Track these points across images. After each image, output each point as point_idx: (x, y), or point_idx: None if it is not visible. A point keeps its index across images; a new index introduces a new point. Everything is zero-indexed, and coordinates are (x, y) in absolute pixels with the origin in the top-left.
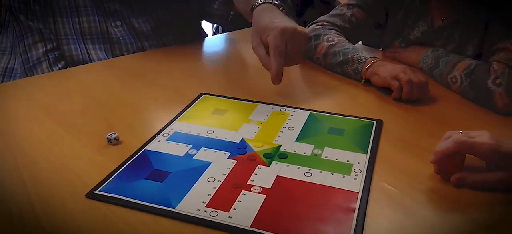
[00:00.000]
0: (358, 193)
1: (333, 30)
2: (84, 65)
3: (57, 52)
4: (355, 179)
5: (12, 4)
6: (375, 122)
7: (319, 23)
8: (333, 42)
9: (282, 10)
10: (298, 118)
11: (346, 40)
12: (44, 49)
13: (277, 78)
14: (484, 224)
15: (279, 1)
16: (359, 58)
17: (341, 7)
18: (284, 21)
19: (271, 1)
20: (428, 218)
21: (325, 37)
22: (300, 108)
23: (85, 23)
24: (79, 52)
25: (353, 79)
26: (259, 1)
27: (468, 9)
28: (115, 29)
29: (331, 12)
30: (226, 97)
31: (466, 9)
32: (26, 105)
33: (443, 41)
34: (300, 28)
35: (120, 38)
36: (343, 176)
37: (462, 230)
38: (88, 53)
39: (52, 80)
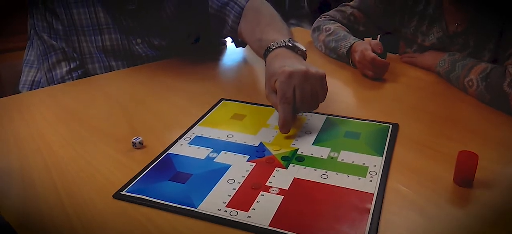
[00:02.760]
0: (373, 194)
1: (332, 21)
2: (107, 73)
3: (81, 70)
4: (371, 180)
5: (36, 23)
6: (391, 126)
7: (322, 16)
8: (329, 31)
9: (297, 53)
10: (315, 122)
11: (343, 29)
12: (68, 67)
13: (284, 127)
14: (499, 224)
15: (292, 44)
16: (346, 44)
17: (346, 5)
18: (295, 65)
19: (284, 44)
20: (442, 218)
21: (324, 27)
22: (317, 113)
23: (107, 41)
24: (103, 69)
25: (344, 62)
26: (273, 46)
27: (482, 16)
28: (137, 47)
29: (335, 8)
30: (244, 102)
31: (479, 16)
32: (54, 110)
33: (459, 47)
34: (314, 69)
35: (142, 54)
36: (359, 178)
37: (476, 231)
38: (111, 70)
39: (78, 87)
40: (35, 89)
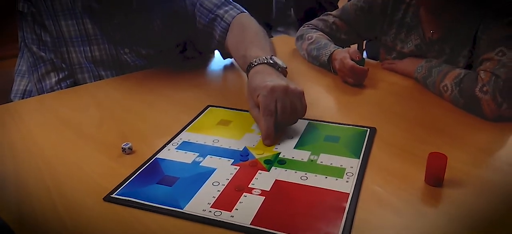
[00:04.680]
0: (348, 193)
1: (314, 30)
2: (97, 81)
3: (70, 80)
4: (347, 181)
5: (25, 35)
6: (368, 130)
7: (305, 25)
8: (311, 40)
9: (278, 70)
10: (297, 127)
11: (324, 37)
12: (57, 78)
13: (267, 138)
14: (467, 221)
15: (273, 61)
16: (327, 52)
17: (328, 14)
18: (275, 80)
19: (266, 61)
20: (413, 216)
21: (307, 35)
22: (296, 122)
23: (96, 51)
24: (92, 79)
25: (326, 69)
26: (255, 62)
27: (457, 24)
28: (125, 56)
29: (318, 17)
30: (230, 109)
31: (454, 24)
32: (46, 118)
33: (435, 53)
34: (293, 86)
35: (131, 63)
36: (336, 179)
37: (446, 229)
38: (100, 79)
39: (68, 95)
40: (26, 98)
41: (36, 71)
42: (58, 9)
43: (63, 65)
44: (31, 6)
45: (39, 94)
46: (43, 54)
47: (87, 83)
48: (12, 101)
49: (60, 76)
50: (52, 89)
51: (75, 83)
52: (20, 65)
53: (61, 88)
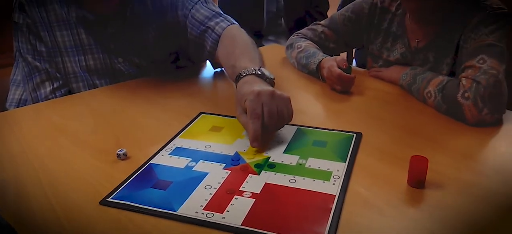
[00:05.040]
0: (335, 195)
1: (303, 39)
2: (91, 90)
3: (64, 89)
4: (334, 184)
5: (20, 45)
6: (355, 135)
7: (295, 35)
8: (301, 49)
9: (265, 80)
10: (286, 132)
11: (313, 46)
12: (52, 87)
13: (255, 140)
14: (447, 221)
15: (261, 72)
16: (315, 60)
17: (317, 24)
18: (263, 87)
19: (254, 72)
20: (396, 216)
21: (296, 44)
22: (289, 124)
23: (91, 60)
24: (87, 88)
25: (315, 77)
26: (243, 73)
27: (440, 33)
28: (119, 65)
29: (307, 27)
30: (222, 115)
31: (438, 33)
32: (42, 125)
33: (420, 61)
34: (279, 92)
35: (125, 71)
36: (323, 182)
37: (428, 228)
38: (95, 88)
39: (63, 103)
40: (22, 107)
41: (31, 80)
42: (53, 20)
43: (58, 75)
44: (26, 17)
45: (34, 103)
46: (38, 63)
47: (81, 92)
48: (7, 110)
49: (55, 85)
50: (47, 98)
51: (70, 92)
52: (15, 74)
53: (56, 97)
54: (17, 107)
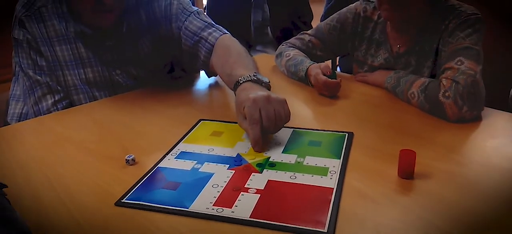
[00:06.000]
0: (333, 188)
1: (292, 48)
2: (92, 102)
3: (65, 101)
4: (331, 178)
5: (21, 61)
6: (347, 134)
7: (284, 44)
8: (289, 57)
9: (262, 85)
10: (283, 135)
11: (301, 54)
12: (53, 100)
13: (256, 144)
14: (435, 207)
15: (257, 78)
16: (303, 67)
17: (304, 33)
18: (258, 93)
19: (250, 79)
20: (389, 205)
21: (285, 53)
22: (285, 127)
23: (90, 73)
24: (88, 100)
25: (305, 83)
26: (241, 81)
27: (420, 38)
28: (117, 77)
29: (295, 36)
30: (221, 121)
31: (418, 38)
32: (48, 136)
33: (403, 65)
34: (275, 95)
35: (123, 83)
36: (321, 177)
37: (418, 214)
38: (95, 100)
39: (66, 116)
40: (23, 120)
41: (33, 94)
42: (53, 35)
43: (59, 88)
44: (26, 33)
45: (36, 117)
46: (39, 77)
47: (82, 103)
48: (8, 124)
49: (56, 98)
50: (49, 111)
51: (71, 104)
52: (14, 89)
53: (58, 110)
54: (19, 121)
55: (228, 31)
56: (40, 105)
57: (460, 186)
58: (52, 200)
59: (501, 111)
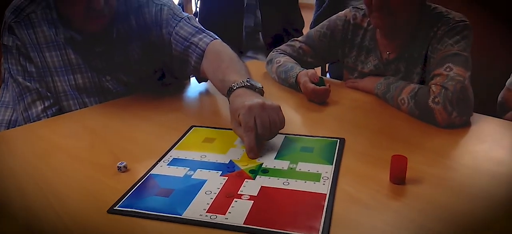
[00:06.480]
0: (326, 194)
1: (282, 55)
2: (82, 109)
3: (55, 107)
4: (324, 184)
5: (11, 67)
6: (338, 140)
7: (275, 51)
8: (280, 64)
9: (255, 90)
10: (275, 141)
11: (291, 61)
12: (43, 106)
13: (251, 151)
14: (427, 211)
15: (250, 83)
16: (293, 74)
17: (295, 40)
18: (253, 100)
19: (244, 85)
20: (381, 209)
21: (275, 60)
22: (277, 133)
23: (80, 79)
24: (78, 106)
25: (295, 90)
26: (234, 87)
27: (409, 45)
28: (107, 83)
29: (286, 43)
30: (213, 128)
31: (407, 45)
32: (39, 144)
33: (392, 72)
34: (269, 102)
35: (113, 90)
36: (314, 183)
37: (409, 218)
38: (85, 106)
39: (56, 122)
40: (12, 128)
41: (23, 100)
42: (42, 41)
43: (49, 94)
44: (16, 40)
45: (26, 123)
46: (28, 84)
47: (72, 110)
48: None
49: (46, 105)
50: (38, 118)
51: (61, 110)
52: (3, 96)
53: (47, 116)
54: (7, 128)
55: (219, 37)
56: (29, 112)
57: (451, 190)
58: (43, 208)
59: (489, 116)
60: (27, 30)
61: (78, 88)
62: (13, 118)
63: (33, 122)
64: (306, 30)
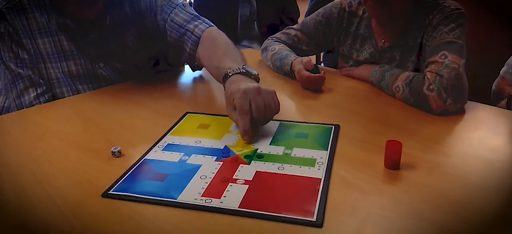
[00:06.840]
0: (321, 179)
1: (277, 42)
2: (75, 95)
3: (48, 94)
4: (319, 169)
5: (3, 54)
6: (333, 126)
7: (270, 38)
8: (274, 51)
9: (251, 77)
10: (270, 127)
11: (286, 49)
12: (35, 93)
13: (245, 134)
14: (420, 196)
15: (246, 70)
16: (288, 61)
17: (290, 28)
18: (248, 84)
19: (239, 71)
20: (376, 194)
21: (270, 47)
22: (272, 119)
23: (73, 66)
24: (71, 93)
25: (290, 77)
26: (229, 73)
27: (404, 33)
28: (100, 70)
29: (281, 31)
30: (208, 114)
31: (402, 33)
32: (32, 130)
33: (387, 60)
34: (264, 87)
35: (107, 77)
36: (309, 168)
37: (403, 202)
38: (78, 93)
39: (50, 108)
40: (5, 114)
41: (15, 87)
42: (34, 28)
43: (41, 81)
44: (8, 26)
45: (19, 110)
46: (21, 71)
47: (65, 97)
48: None
49: (39, 91)
50: (31, 104)
51: (54, 97)
52: None
53: (40, 103)
54: (0, 115)
55: (214, 24)
56: (22, 99)
57: (445, 175)
58: (37, 193)
59: (484, 104)
60: (19, 16)
61: (71, 75)
62: (6, 105)
63: (26, 108)
64: (301, 20)
